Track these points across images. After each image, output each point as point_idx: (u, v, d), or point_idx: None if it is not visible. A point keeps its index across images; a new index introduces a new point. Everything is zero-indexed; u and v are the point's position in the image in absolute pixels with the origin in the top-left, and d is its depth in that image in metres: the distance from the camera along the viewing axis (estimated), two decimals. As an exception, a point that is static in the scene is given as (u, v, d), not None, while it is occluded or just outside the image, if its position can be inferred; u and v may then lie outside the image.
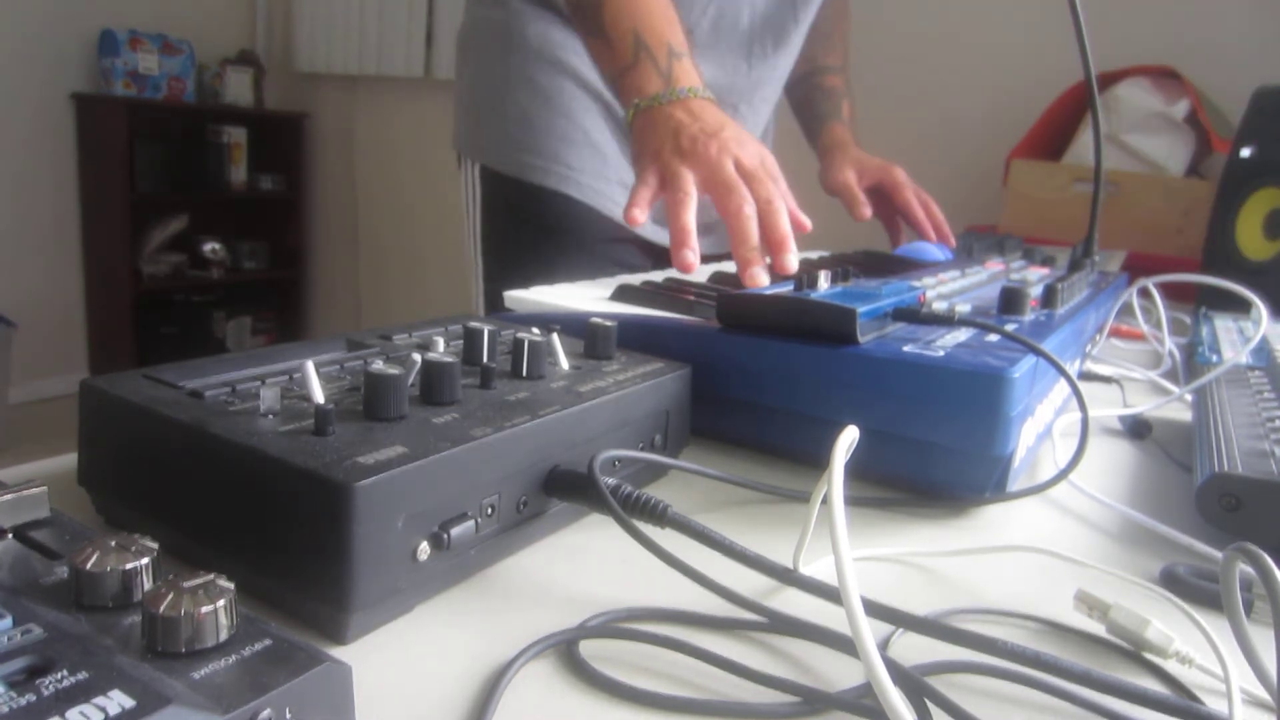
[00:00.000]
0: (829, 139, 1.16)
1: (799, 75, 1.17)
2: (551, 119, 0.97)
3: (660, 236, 1.00)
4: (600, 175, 0.98)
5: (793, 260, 0.65)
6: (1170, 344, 0.81)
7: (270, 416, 0.31)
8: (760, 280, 0.62)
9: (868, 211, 1.06)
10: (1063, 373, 0.45)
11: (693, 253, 0.64)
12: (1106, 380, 0.73)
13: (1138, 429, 0.60)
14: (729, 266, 0.73)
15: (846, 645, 0.29)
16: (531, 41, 0.96)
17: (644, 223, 0.69)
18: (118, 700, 0.18)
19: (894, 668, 0.27)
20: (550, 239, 0.98)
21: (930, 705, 0.27)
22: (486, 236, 1.03)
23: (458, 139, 1.06)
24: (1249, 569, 0.27)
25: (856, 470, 0.45)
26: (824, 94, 1.21)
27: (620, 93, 0.77)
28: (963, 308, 0.54)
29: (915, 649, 0.31)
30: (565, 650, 0.29)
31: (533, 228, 0.99)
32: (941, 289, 0.66)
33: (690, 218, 0.65)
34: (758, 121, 1.09)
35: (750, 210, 0.65)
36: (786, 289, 0.52)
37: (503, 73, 0.98)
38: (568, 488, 0.35)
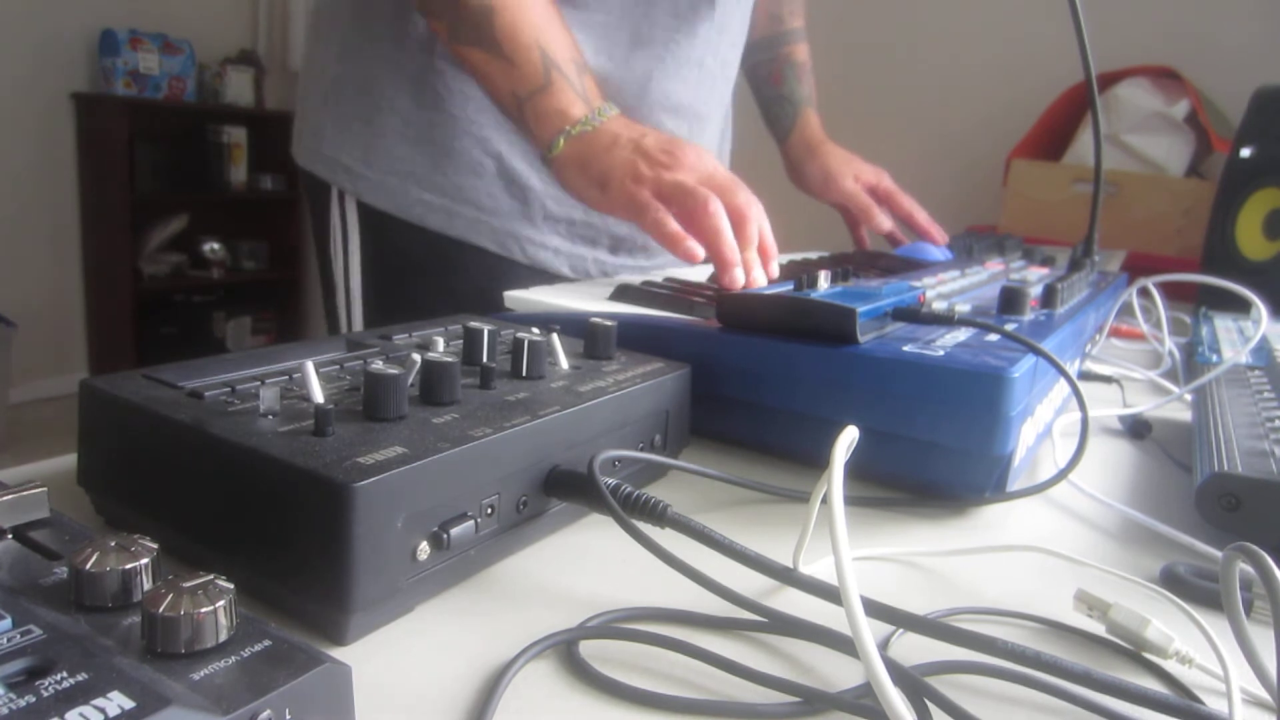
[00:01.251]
0: (809, 133, 1.01)
1: (761, 39, 1.00)
2: (453, 140, 0.74)
3: (605, 269, 0.85)
4: (523, 216, 0.77)
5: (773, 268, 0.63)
6: (1170, 344, 0.81)
7: (270, 416, 0.31)
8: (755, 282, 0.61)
9: (886, 223, 0.97)
10: (1062, 372, 0.45)
11: (742, 272, 0.59)
12: (1106, 380, 0.73)
13: (1138, 429, 0.60)
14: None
15: (846, 645, 0.29)
16: (419, 25, 0.73)
17: (703, 255, 0.59)
18: (117, 701, 0.18)
19: (894, 668, 0.27)
20: (458, 303, 0.72)
21: (930, 705, 0.27)
22: (370, 290, 0.79)
23: (309, 152, 0.81)
24: (1249, 568, 0.27)
25: (856, 470, 0.45)
26: (795, 70, 1.02)
27: (529, 119, 0.64)
28: (962, 308, 0.54)
29: (915, 649, 0.31)
30: (565, 650, 0.29)
31: (435, 288, 0.77)
32: (941, 289, 0.66)
33: (729, 230, 0.59)
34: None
35: (756, 210, 0.63)
36: (786, 289, 0.52)
37: (378, 67, 0.75)
38: (568, 488, 0.35)
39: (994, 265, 0.88)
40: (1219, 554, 0.30)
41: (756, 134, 1.08)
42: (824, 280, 0.54)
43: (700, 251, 0.59)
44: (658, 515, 0.33)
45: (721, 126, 0.94)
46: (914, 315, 0.51)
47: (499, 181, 0.76)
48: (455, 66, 0.74)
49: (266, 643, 0.21)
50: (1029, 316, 0.56)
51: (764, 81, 1.03)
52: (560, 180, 0.66)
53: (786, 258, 0.84)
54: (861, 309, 0.46)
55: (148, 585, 0.22)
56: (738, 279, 0.59)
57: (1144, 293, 0.85)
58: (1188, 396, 0.61)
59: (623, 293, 0.60)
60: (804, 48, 1.04)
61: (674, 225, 0.60)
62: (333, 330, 0.83)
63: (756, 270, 0.61)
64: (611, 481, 0.34)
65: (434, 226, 0.76)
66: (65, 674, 0.19)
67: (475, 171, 0.76)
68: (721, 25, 0.83)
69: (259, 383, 0.35)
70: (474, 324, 0.42)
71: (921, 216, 1.01)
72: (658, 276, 0.68)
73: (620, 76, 0.78)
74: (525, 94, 0.64)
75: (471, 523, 0.31)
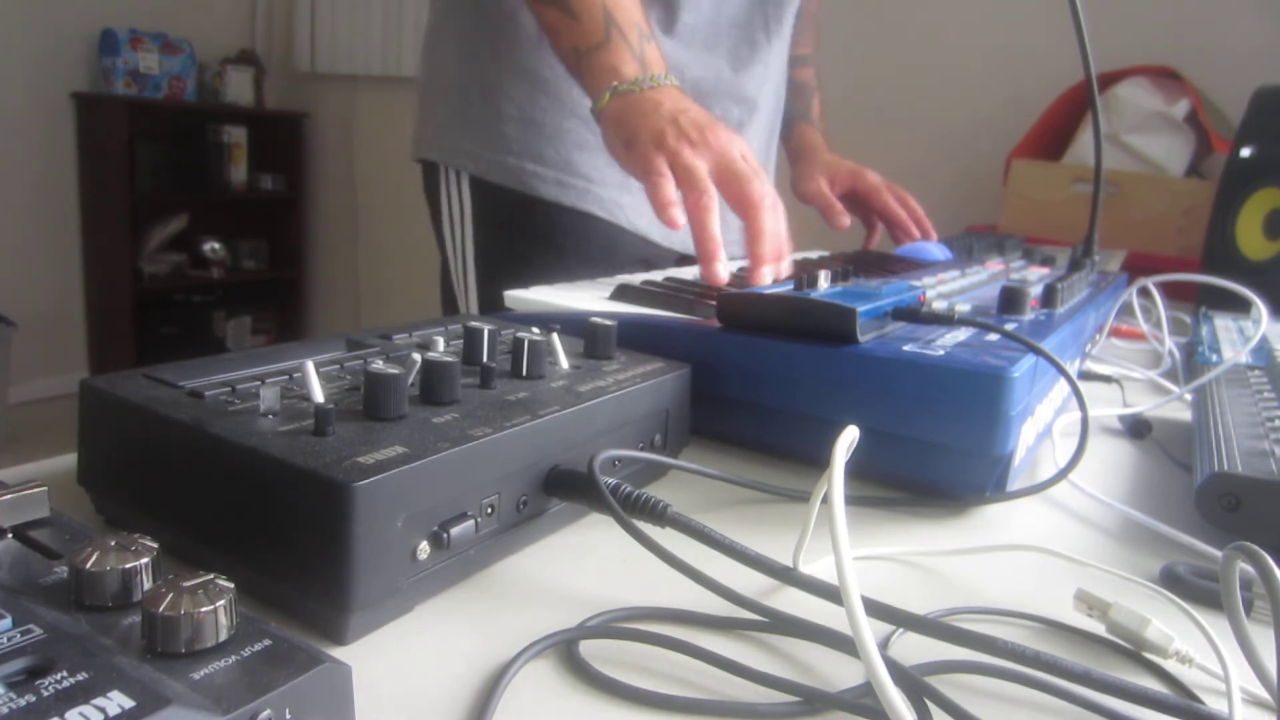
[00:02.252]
0: (800, 141, 1.09)
1: None
2: (560, 120, 0.84)
3: (690, 247, 0.91)
4: (624, 187, 0.85)
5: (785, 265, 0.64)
6: (1170, 344, 0.81)
7: (270, 416, 0.31)
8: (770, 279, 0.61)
9: (845, 220, 1.02)
10: (1062, 372, 0.45)
11: (725, 266, 0.61)
12: (1106, 380, 0.73)
13: (1138, 428, 0.60)
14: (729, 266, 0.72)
15: (846, 645, 0.29)
16: (527, 25, 0.82)
17: (684, 223, 0.63)
18: (117, 701, 0.18)
19: (894, 667, 0.27)
20: (564, 262, 0.85)
21: (930, 705, 0.27)
22: (483, 256, 0.89)
23: (428, 144, 0.92)
24: (1249, 568, 0.27)
25: (856, 470, 0.45)
26: (794, 90, 1.09)
27: (585, 71, 0.69)
28: (963, 307, 0.54)
29: (915, 649, 0.31)
30: (565, 650, 0.29)
31: (544, 249, 0.86)
32: (941, 289, 0.66)
33: (716, 224, 0.61)
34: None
35: (770, 201, 0.63)
36: (786, 289, 0.52)
37: (495, 64, 0.84)
38: (568, 487, 0.35)
39: (994, 265, 0.88)
40: (1219, 554, 0.30)
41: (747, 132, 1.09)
42: (824, 280, 0.54)
43: (680, 219, 0.62)
44: (658, 515, 0.33)
45: (772, 119, 1.03)
46: (914, 315, 0.51)
47: (604, 155, 0.82)
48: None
49: (266, 642, 0.21)
50: (1029, 316, 0.56)
51: None
52: (602, 132, 0.69)
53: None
54: (861, 309, 0.46)
55: (148, 585, 0.22)
56: (719, 274, 0.60)
57: (1144, 292, 0.85)
58: (1188, 396, 0.61)
59: (623, 292, 0.60)
60: (806, 71, 1.11)
61: (669, 192, 0.62)
62: (449, 307, 0.94)
63: (762, 271, 0.62)
64: (611, 481, 0.34)
65: (548, 196, 0.84)
66: (65, 673, 0.19)
67: (582, 147, 0.84)
68: (780, 33, 0.96)
69: (259, 382, 0.35)
70: (474, 324, 0.42)
71: (900, 213, 1.02)
72: (658, 276, 0.68)
73: (698, 75, 0.88)
74: (585, 48, 0.68)
75: (471, 522, 0.31)
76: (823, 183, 1.03)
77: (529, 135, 0.84)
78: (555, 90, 0.83)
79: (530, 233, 0.86)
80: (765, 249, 0.62)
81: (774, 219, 0.63)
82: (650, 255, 0.89)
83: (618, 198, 0.85)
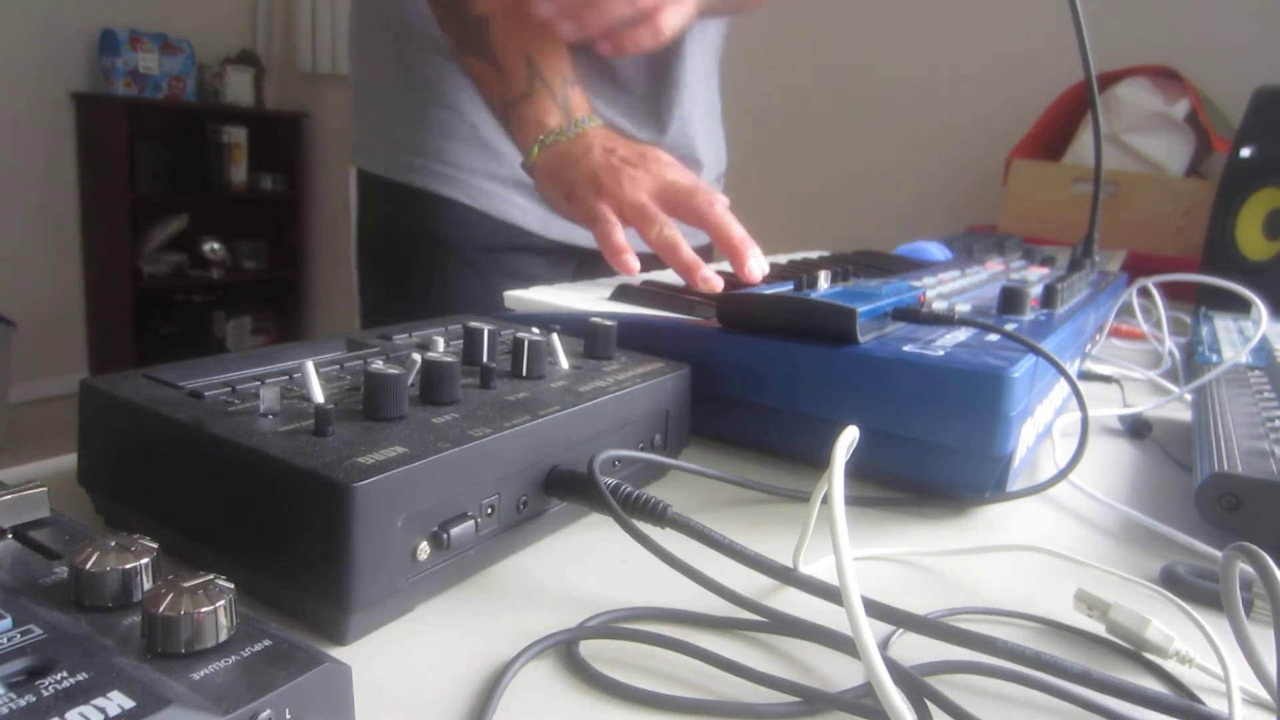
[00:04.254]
0: None
1: None
2: (432, 110, 0.84)
3: (573, 237, 0.89)
4: (492, 175, 0.85)
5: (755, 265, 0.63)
6: (1170, 344, 0.81)
7: (270, 416, 0.31)
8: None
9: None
10: (1062, 372, 0.45)
11: (712, 275, 0.61)
12: (1106, 380, 0.73)
13: (1138, 429, 0.60)
14: (727, 266, 0.73)
15: (846, 645, 0.29)
16: (413, 22, 0.83)
17: (638, 268, 0.63)
18: (117, 701, 0.18)
19: (894, 668, 0.27)
20: (434, 251, 0.86)
21: (930, 705, 0.27)
22: (363, 250, 0.92)
23: (353, 141, 0.95)
24: (1249, 568, 0.27)
25: (856, 470, 0.45)
26: None
27: (513, 125, 0.69)
28: (963, 307, 0.54)
29: (915, 649, 0.31)
30: (565, 650, 0.29)
31: (415, 238, 0.87)
32: (941, 289, 0.66)
33: (685, 246, 0.61)
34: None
35: (721, 205, 0.63)
36: (786, 289, 0.52)
37: (381, 62, 0.87)
38: (568, 488, 0.35)
39: (994, 265, 0.88)
40: (1219, 554, 0.30)
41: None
42: (824, 280, 0.54)
43: (635, 264, 0.62)
44: (658, 515, 0.33)
45: (715, 161, 1.00)
46: (914, 315, 0.51)
47: (476, 144, 0.85)
48: (440, 54, 0.83)
49: (266, 642, 0.21)
50: (1029, 316, 0.56)
51: None
52: (537, 187, 0.69)
53: (786, 258, 0.84)
54: (862, 309, 0.46)
55: (148, 585, 0.22)
56: (711, 282, 0.60)
57: (1144, 293, 0.85)
58: (1188, 396, 0.61)
59: (623, 293, 0.60)
60: None
61: (618, 238, 0.62)
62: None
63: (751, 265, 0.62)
64: (611, 481, 0.34)
65: (418, 184, 0.86)
66: (65, 674, 0.19)
67: (452, 136, 0.85)
68: (690, 83, 0.91)
69: (259, 383, 0.35)
70: (474, 324, 0.42)
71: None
72: (657, 276, 0.68)
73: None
74: (511, 100, 0.68)
75: (471, 523, 0.31)
76: None
77: (401, 126, 0.86)
78: (427, 82, 0.85)
79: (405, 222, 0.88)
80: (736, 238, 0.62)
81: (728, 214, 0.63)
82: (526, 244, 0.88)
83: (486, 185, 0.85)
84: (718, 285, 0.60)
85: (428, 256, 0.87)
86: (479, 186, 0.85)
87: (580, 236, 0.90)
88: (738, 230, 0.63)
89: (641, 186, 0.64)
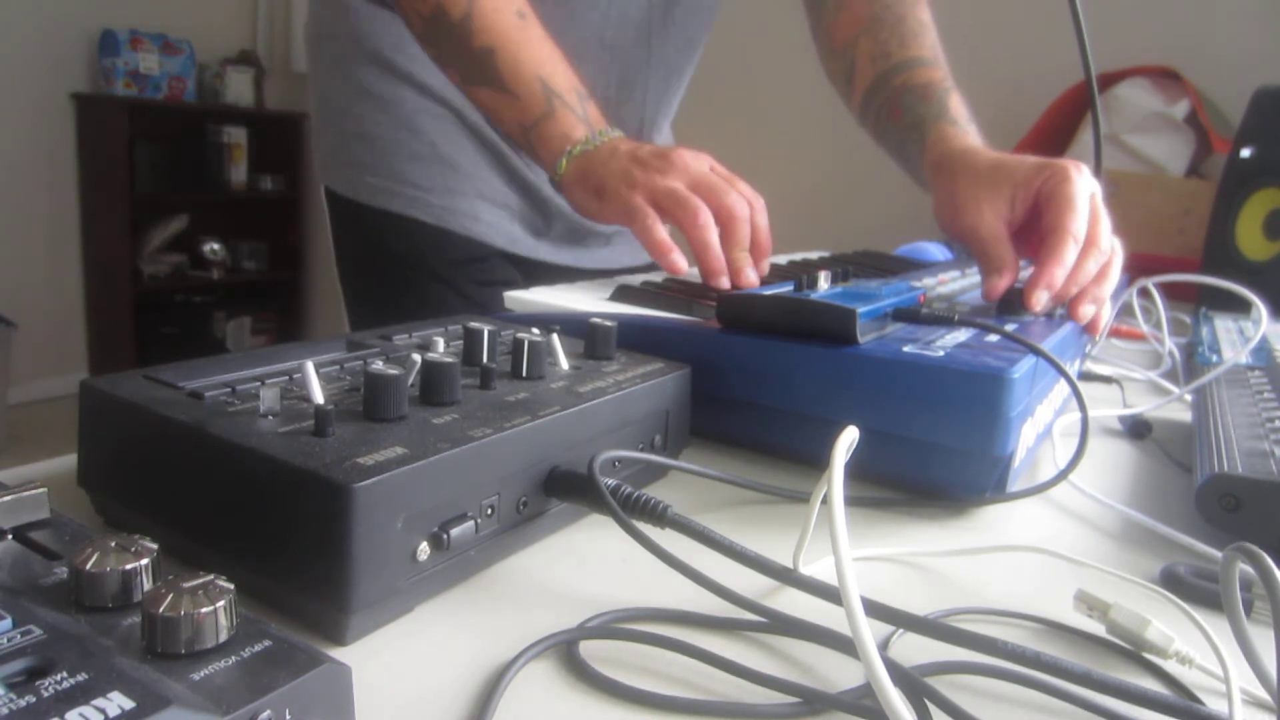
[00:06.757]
0: (935, 150, 0.73)
1: (870, 84, 0.84)
2: (393, 133, 0.87)
3: (540, 254, 0.93)
4: (451, 192, 0.88)
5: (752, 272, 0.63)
6: (1170, 344, 0.81)
7: (270, 417, 0.31)
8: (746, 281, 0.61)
9: (1001, 285, 0.61)
10: (1062, 373, 0.45)
11: (754, 271, 0.61)
12: (1106, 380, 0.73)
13: (1138, 429, 0.60)
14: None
15: (846, 645, 0.29)
16: (366, 43, 0.86)
17: (687, 268, 0.61)
18: (117, 702, 0.18)
19: (894, 668, 0.27)
20: (400, 268, 0.89)
21: (930, 705, 0.27)
22: (343, 269, 0.95)
23: (314, 153, 0.96)
24: (1249, 569, 0.27)
25: (856, 470, 0.45)
26: (917, 94, 0.80)
27: (536, 144, 0.69)
28: (963, 308, 0.54)
29: (915, 649, 0.31)
30: (565, 650, 0.29)
31: (384, 256, 0.90)
32: (941, 289, 0.66)
33: (717, 243, 0.60)
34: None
35: (753, 209, 0.63)
36: (786, 289, 0.52)
37: (341, 81, 0.89)
38: (567, 488, 0.35)
39: (994, 265, 0.87)
40: (1219, 554, 0.30)
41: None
42: (824, 280, 0.54)
43: (684, 264, 0.61)
44: (658, 515, 0.33)
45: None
46: (914, 315, 0.51)
47: (436, 165, 0.88)
48: (398, 78, 0.86)
49: (267, 643, 0.21)
50: (1029, 317, 0.56)
51: (886, 126, 0.82)
52: (568, 198, 0.69)
53: (786, 258, 0.84)
54: (862, 309, 0.46)
55: (148, 585, 0.22)
56: (724, 285, 0.60)
57: (1144, 293, 0.85)
58: (1188, 397, 0.61)
59: (623, 293, 0.60)
60: (924, 72, 0.82)
61: (661, 234, 0.61)
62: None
63: (747, 272, 0.61)
64: (611, 482, 0.34)
65: (378, 205, 0.88)
66: (65, 674, 0.19)
67: (413, 158, 0.88)
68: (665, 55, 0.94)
69: (259, 383, 0.35)
70: (474, 324, 0.42)
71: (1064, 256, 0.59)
72: (657, 277, 0.68)
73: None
74: (530, 123, 0.68)
75: (471, 523, 0.31)
76: (990, 215, 0.65)
77: (366, 150, 0.88)
78: (387, 105, 0.87)
79: (374, 241, 0.91)
80: (762, 240, 0.62)
81: (762, 217, 0.63)
82: (483, 253, 0.90)
83: (445, 203, 0.88)
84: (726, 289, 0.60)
85: (400, 273, 0.90)
86: (438, 205, 0.88)
87: (547, 253, 0.94)
88: (763, 230, 0.63)
89: (673, 177, 0.63)
